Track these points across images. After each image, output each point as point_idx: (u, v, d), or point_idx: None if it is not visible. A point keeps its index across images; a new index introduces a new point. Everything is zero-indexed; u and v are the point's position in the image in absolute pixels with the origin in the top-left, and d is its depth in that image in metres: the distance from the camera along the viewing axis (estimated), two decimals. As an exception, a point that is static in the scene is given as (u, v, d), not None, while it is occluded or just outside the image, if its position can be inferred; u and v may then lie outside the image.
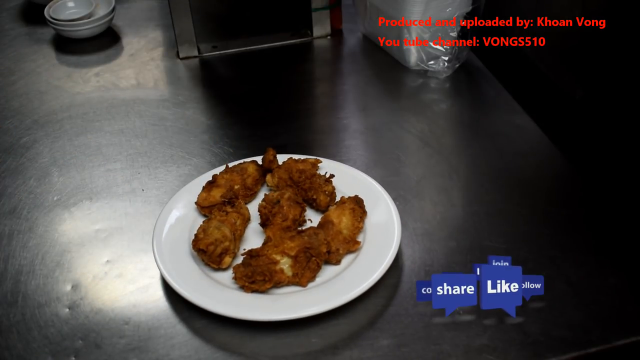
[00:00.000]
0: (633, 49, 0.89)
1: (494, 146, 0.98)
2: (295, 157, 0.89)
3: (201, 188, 0.86)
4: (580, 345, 0.69)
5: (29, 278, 0.80)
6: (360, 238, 0.80)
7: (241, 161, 0.90)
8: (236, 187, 0.85)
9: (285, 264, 0.74)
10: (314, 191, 0.84)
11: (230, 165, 0.89)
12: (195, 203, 0.84)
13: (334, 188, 0.85)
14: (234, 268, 0.75)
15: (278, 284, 0.74)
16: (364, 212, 0.82)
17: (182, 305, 0.74)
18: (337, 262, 0.78)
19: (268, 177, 0.88)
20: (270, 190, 0.89)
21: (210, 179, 0.86)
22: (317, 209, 0.85)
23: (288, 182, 0.86)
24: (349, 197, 0.82)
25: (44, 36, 1.32)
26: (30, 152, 1.01)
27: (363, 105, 1.11)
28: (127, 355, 0.70)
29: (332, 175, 0.86)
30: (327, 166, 0.90)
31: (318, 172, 0.87)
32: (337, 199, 0.85)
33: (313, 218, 0.84)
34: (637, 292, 0.74)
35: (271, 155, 0.88)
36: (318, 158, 0.89)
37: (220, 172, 0.87)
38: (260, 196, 0.87)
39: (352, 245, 0.79)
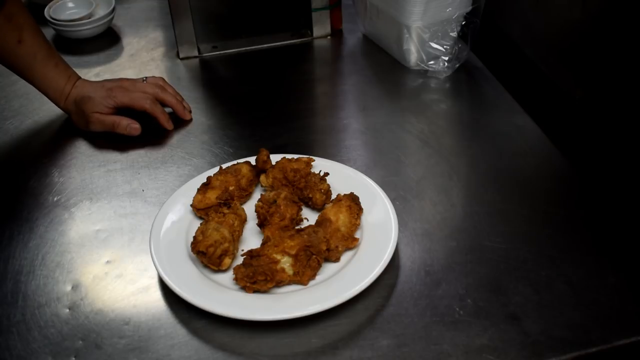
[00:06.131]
0: (633, 49, 0.89)
1: (494, 146, 0.99)
2: (289, 156, 0.89)
3: (195, 190, 0.86)
4: (580, 345, 0.69)
5: (29, 278, 0.80)
6: (357, 234, 0.80)
7: (234, 162, 0.90)
8: (231, 188, 0.85)
9: (286, 263, 0.74)
10: (309, 190, 0.84)
11: (224, 166, 0.89)
12: (191, 205, 0.84)
13: (329, 186, 0.86)
14: (234, 269, 0.75)
15: (279, 283, 0.74)
16: (360, 209, 0.82)
17: (182, 305, 0.74)
18: (337, 260, 0.78)
19: (262, 178, 0.88)
20: (265, 190, 0.89)
21: (204, 180, 0.86)
22: (314, 207, 0.85)
23: (283, 181, 0.86)
24: (345, 195, 0.83)
25: (44, 36, 1.32)
26: (30, 153, 1.01)
27: (363, 105, 1.11)
28: (127, 355, 0.70)
29: (326, 174, 0.86)
30: (320, 165, 0.90)
31: (312, 170, 0.87)
32: (333, 196, 0.85)
33: (310, 217, 0.84)
34: (637, 292, 0.74)
35: (265, 156, 0.88)
36: (311, 157, 0.89)
37: (214, 174, 0.87)
38: (255, 197, 0.87)
39: (350, 242, 0.79)
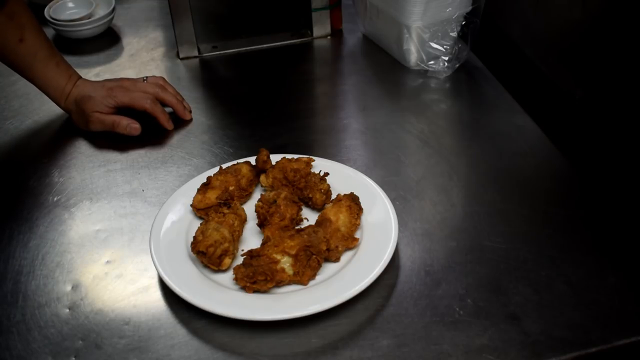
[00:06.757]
0: (633, 49, 0.89)
1: (494, 146, 0.99)
2: (289, 156, 0.89)
3: (195, 190, 0.86)
4: (580, 345, 0.69)
5: (29, 278, 0.80)
6: (357, 234, 0.80)
7: (234, 162, 0.90)
8: (231, 188, 0.85)
9: (286, 263, 0.74)
10: (309, 190, 0.85)
11: (224, 166, 0.89)
12: (191, 205, 0.84)
13: (329, 186, 0.86)
14: (234, 269, 0.75)
15: (279, 283, 0.74)
16: (360, 209, 0.82)
17: (182, 305, 0.75)
18: (337, 260, 0.78)
19: (262, 178, 0.88)
20: (265, 190, 0.89)
21: (204, 180, 0.86)
22: (314, 207, 0.85)
23: (283, 181, 0.86)
24: (345, 195, 0.83)
25: (44, 36, 1.32)
26: (30, 153, 1.01)
27: (363, 105, 1.11)
28: (127, 355, 0.70)
29: (326, 174, 0.86)
30: (320, 165, 0.90)
31: (312, 170, 0.87)
32: (333, 196, 0.85)
33: (310, 217, 0.84)
34: (637, 292, 0.74)
35: (265, 156, 0.88)
36: (311, 157, 0.89)
37: (214, 174, 0.87)
38: (255, 197, 0.87)
39: (350, 242, 0.79)
